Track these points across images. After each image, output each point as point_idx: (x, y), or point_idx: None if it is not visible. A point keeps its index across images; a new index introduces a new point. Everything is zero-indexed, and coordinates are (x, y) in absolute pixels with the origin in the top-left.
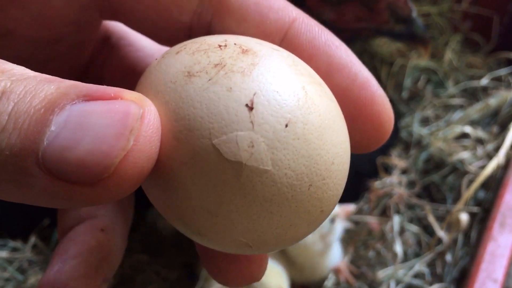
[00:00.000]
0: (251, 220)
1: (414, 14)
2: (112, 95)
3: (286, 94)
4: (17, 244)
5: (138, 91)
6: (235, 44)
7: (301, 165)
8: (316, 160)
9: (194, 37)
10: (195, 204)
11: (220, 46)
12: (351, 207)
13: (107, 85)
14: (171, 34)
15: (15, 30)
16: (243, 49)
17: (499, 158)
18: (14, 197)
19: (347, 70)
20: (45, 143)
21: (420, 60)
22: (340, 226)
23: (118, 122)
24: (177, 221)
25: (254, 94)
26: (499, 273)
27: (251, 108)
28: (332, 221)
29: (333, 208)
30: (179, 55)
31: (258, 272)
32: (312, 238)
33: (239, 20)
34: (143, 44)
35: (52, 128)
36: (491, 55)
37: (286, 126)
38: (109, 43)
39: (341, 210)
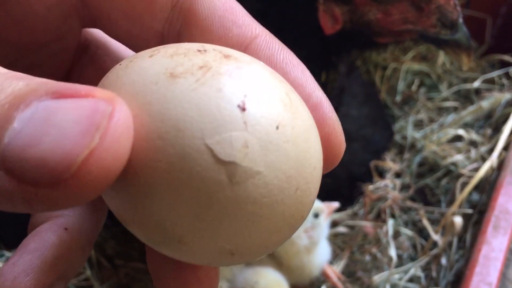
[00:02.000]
0: (240, 224)
1: (461, 20)
2: (83, 93)
3: (273, 98)
4: None
5: None
6: (214, 49)
7: (290, 168)
8: (303, 163)
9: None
10: (181, 208)
11: (199, 50)
12: (335, 205)
13: None
14: (144, 41)
15: None
16: (224, 54)
17: (492, 160)
18: None
19: (301, 89)
20: (6, 140)
21: (413, 64)
22: (326, 223)
23: (85, 119)
24: (153, 229)
25: (245, 96)
26: (493, 276)
27: (243, 109)
28: (316, 215)
29: (308, 215)
30: (154, 58)
31: None
32: (296, 233)
33: (204, 30)
34: (121, 53)
35: (15, 125)
36: (484, 57)
37: (277, 128)
38: (88, 51)
39: (325, 207)
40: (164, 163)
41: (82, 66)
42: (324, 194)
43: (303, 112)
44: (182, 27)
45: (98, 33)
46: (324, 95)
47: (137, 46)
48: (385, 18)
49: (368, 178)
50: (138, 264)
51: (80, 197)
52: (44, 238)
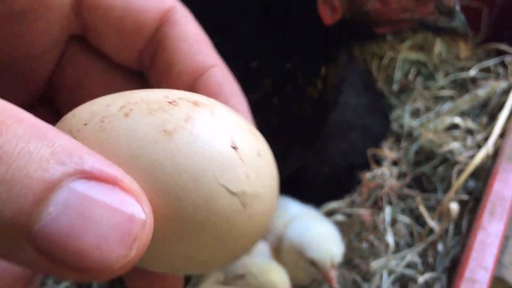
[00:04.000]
0: (252, 236)
1: (458, 7)
2: (110, 179)
3: (249, 133)
4: None
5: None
6: (179, 98)
7: (273, 185)
8: (276, 180)
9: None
10: (204, 239)
11: (169, 103)
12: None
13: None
14: (125, 56)
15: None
16: (192, 102)
17: (488, 147)
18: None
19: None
20: (42, 223)
21: (410, 53)
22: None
23: (123, 226)
24: (182, 261)
25: (232, 137)
26: (489, 261)
27: (235, 148)
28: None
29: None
30: (133, 117)
31: None
32: None
33: (174, 55)
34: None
35: (50, 209)
36: (480, 46)
37: (259, 155)
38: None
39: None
40: (190, 209)
41: (63, 65)
42: (323, 184)
43: (263, 140)
44: (157, 50)
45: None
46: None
47: (117, 59)
48: (384, 7)
49: (366, 167)
50: None
51: (102, 279)
52: None
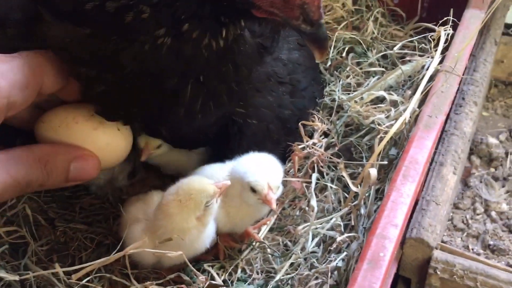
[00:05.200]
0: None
1: (323, 20)
2: None
3: None
4: None
5: None
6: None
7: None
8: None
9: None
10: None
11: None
12: (226, 183)
13: None
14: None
15: None
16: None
17: (406, 116)
18: None
19: None
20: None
21: (345, 32)
22: (216, 203)
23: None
24: None
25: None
26: (400, 219)
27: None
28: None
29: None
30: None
31: None
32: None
33: None
34: None
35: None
36: (412, 26)
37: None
38: None
39: (217, 187)
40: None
41: None
42: (254, 135)
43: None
44: None
45: None
46: None
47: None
48: None
49: (295, 121)
50: (78, 225)
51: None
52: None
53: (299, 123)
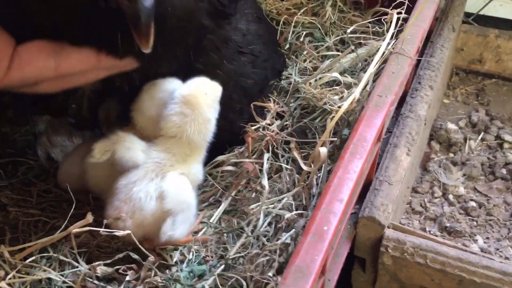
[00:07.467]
0: None
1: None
2: None
3: None
4: None
5: None
6: None
7: None
8: None
9: None
10: None
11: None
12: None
13: None
14: None
15: None
16: None
17: (356, 94)
18: None
19: None
20: None
21: (303, 17)
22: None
23: None
24: None
25: None
26: (345, 194)
27: None
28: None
29: None
30: None
31: None
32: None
33: None
34: None
35: None
36: (371, 12)
37: None
38: None
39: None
40: None
41: None
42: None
43: None
44: None
45: None
46: None
47: None
48: None
49: (257, 94)
50: (32, 210)
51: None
52: None
53: (251, 104)
